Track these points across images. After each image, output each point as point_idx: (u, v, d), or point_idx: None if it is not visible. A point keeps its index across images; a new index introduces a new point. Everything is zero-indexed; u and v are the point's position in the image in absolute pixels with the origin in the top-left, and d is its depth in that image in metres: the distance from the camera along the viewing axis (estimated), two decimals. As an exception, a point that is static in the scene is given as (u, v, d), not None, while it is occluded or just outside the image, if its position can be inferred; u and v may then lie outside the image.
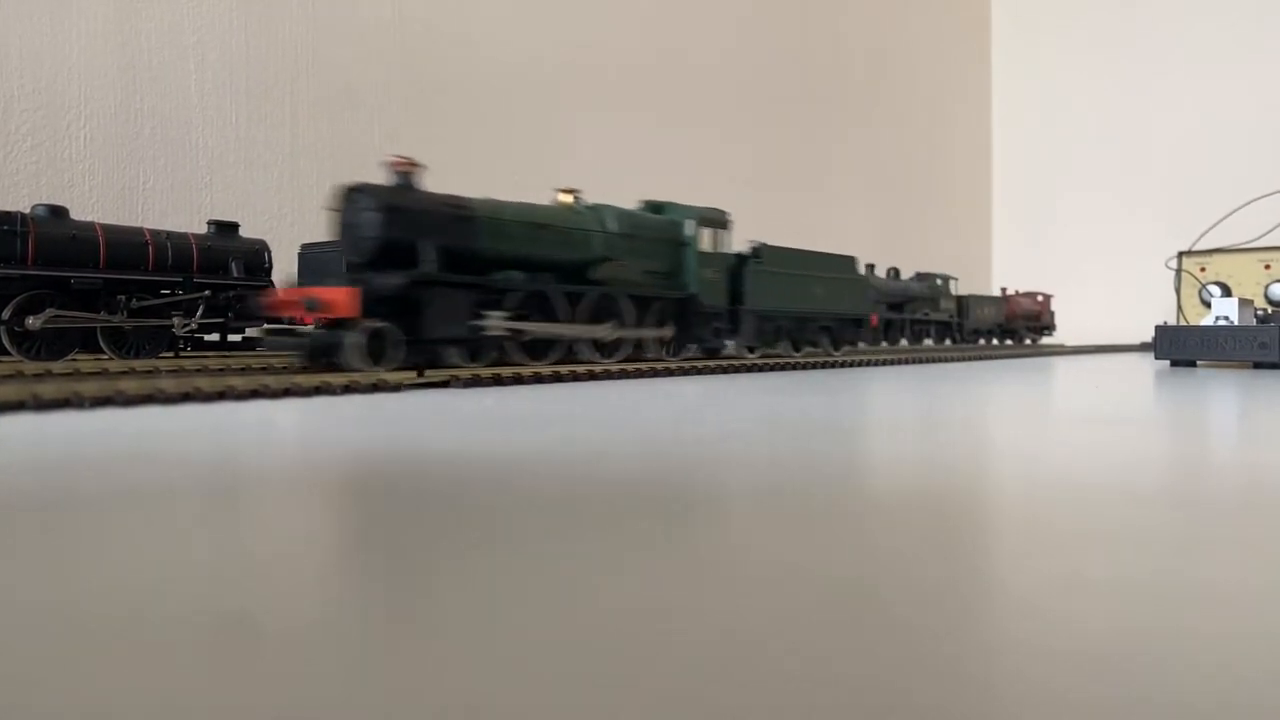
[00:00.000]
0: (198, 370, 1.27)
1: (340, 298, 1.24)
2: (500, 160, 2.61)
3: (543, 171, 2.69)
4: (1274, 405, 0.98)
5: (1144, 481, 0.47)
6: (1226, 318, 1.85)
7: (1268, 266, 3.20)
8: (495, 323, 1.38)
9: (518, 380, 1.24)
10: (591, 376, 1.36)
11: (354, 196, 1.35)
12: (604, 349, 1.61)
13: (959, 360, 2.26)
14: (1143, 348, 3.35)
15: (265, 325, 1.47)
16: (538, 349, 1.51)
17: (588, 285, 1.58)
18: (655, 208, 1.86)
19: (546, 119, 2.74)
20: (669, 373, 1.49)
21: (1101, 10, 4.86)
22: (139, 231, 1.58)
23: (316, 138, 2.26)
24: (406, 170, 1.40)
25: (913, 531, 0.35)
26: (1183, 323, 3.00)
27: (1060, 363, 2.20)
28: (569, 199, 1.68)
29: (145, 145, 1.97)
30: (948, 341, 3.19)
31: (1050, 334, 3.90)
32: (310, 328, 1.30)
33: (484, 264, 1.43)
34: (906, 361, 2.11)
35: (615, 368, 1.48)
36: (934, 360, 2.21)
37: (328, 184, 2.26)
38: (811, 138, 3.81)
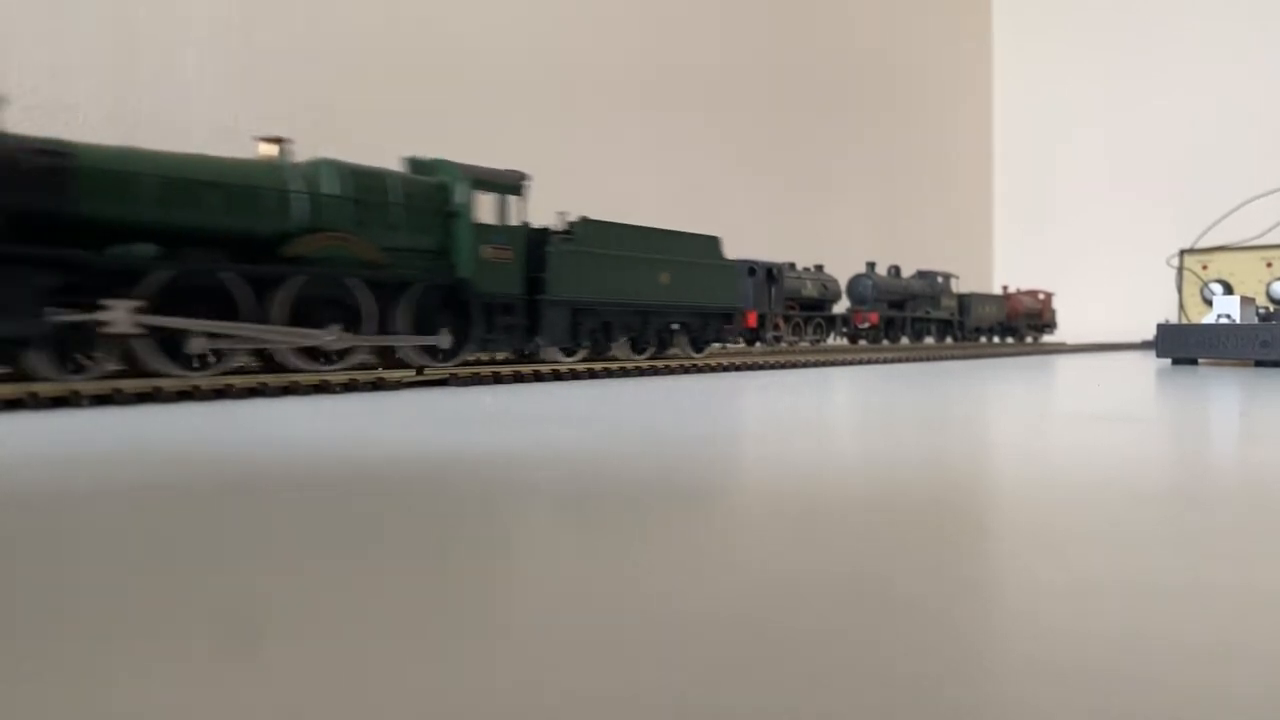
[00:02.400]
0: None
1: None
2: (511, 159, 2.61)
3: (537, 174, 2.68)
4: (1273, 403, 0.98)
5: (1141, 480, 0.47)
6: (1228, 316, 1.85)
7: (1269, 264, 3.19)
8: (117, 315, 0.96)
9: (516, 378, 1.24)
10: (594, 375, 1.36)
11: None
12: (325, 355, 1.17)
13: (960, 359, 2.26)
14: (1144, 346, 3.35)
15: None
16: (176, 351, 1.02)
17: (281, 264, 1.15)
18: (420, 166, 1.49)
19: (542, 119, 2.74)
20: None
21: (1103, 9, 4.85)
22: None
23: (316, 135, 2.25)
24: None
25: (898, 531, 0.35)
26: (1184, 321, 3.00)
27: (1062, 361, 2.19)
28: (272, 150, 1.30)
29: (144, 142, 1.96)
30: (949, 340, 3.18)
31: (1052, 332, 3.89)
32: None
33: (98, 233, 1.00)
34: (906, 360, 2.10)
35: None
36: (935, 359, 2.21)
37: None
38: (813, 136, 3.80)
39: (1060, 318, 4.04)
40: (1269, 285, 3.14)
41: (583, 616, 0.24)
